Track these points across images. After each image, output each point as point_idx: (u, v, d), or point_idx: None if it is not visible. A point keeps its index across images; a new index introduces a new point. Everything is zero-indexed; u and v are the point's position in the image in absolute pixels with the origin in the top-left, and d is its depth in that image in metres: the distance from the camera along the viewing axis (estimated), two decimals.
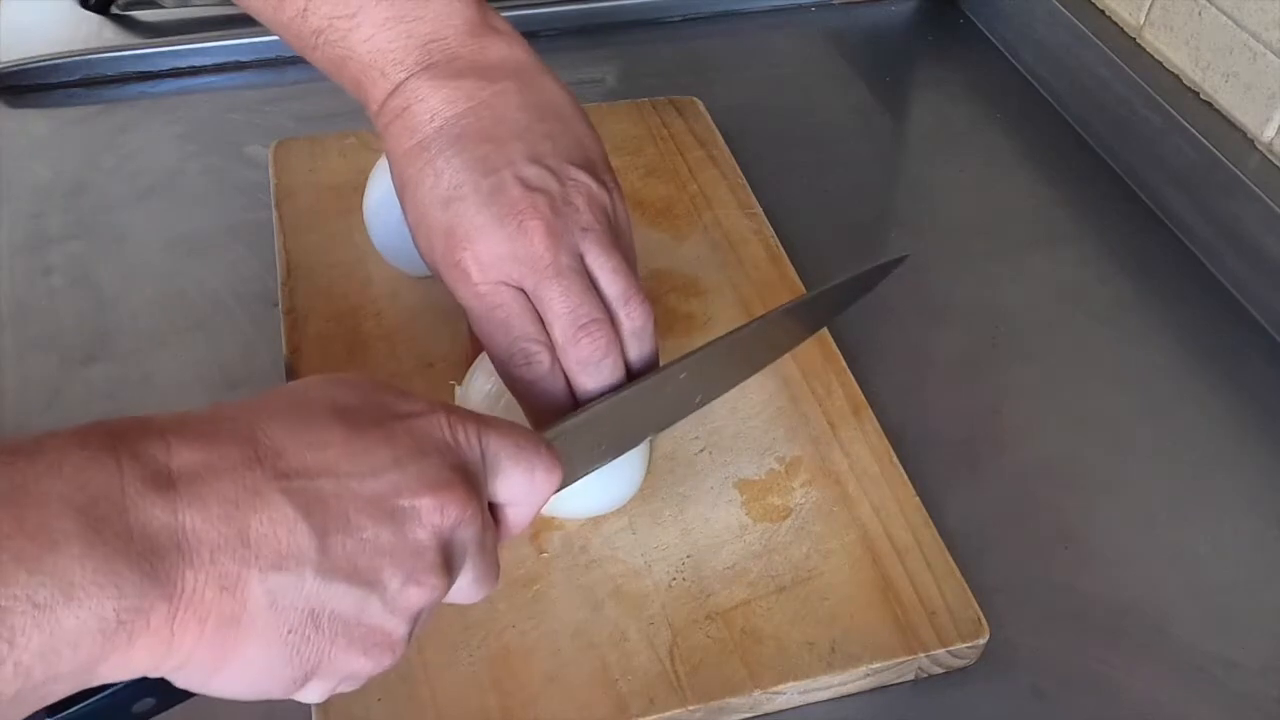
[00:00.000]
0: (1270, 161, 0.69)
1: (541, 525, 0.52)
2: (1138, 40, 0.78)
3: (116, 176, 0.72)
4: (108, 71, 0.79)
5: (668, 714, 0.46)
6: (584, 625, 0.49)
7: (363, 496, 0.36)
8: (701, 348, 0.50)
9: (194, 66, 0.80)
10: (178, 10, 0.84)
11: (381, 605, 0.36)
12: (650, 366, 0.51)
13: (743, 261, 0.66)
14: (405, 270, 0.62)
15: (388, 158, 0.51)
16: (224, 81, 0.80)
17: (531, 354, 0.48)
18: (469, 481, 0.38)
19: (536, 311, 0.48)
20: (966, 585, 0.51)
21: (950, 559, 0.52)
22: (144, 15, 0.83)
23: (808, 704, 0.49)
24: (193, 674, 0.34)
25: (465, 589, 0.40)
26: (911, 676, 0.50)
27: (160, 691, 0.35)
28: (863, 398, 0.58)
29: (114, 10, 0.83)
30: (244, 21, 0.82)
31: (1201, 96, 0.73)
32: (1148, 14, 0.77)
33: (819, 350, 0.61)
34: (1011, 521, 0.57)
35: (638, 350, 0.50)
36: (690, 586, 0.50)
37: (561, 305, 0.48)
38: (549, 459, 0.42)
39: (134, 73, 0.79)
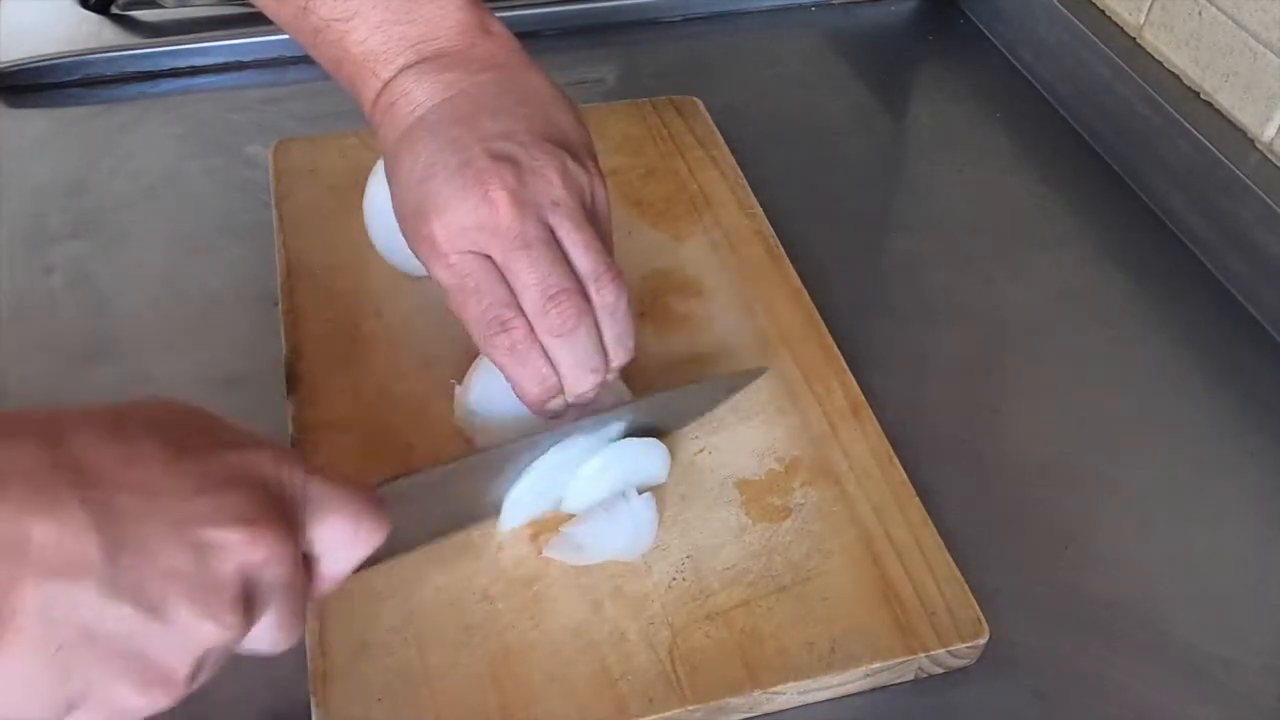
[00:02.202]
0: (1270, 161, 0.69)
1: (541, 525, 0.52)
2: (1138, 40, 0.78)
3: (116, 176, 0.72)
4: (108, 71, 0.79)
5: (667, 714, 0.46)
6: (584, 625, 0.49)
7: (167, 517, 0.34)
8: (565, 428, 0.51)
9: (194, 66, 0.80)
10: (178, 10, 0.84)
11: (166, 636, 0.34)
12: (625, 345, 0.51)
13: (743, 261, 0.66)
14: (405, 270, 0.62)
15: (380, 154, 0.52)
16: (224, 81, 0.80)
17: (505, 320, 0.48)
18: (283, 520, 0.36)
19: (509, 281, 0.48)
20: (966, 585, 0.51)
21: (950, 559, 0.52)
22: (144, 15, 0.83)
23: (808, 704, 0.49)
24: None
25: (265, 635, 0.38)
26: (911, 676, 0.50)
27: None
28: (863, 398, 0.58)
29: (114, 10, 0.83)
30: (244, 21, 0.82)
31: (1201, 96, 0.73)
32: (1148, 14, 0.77)
33: (819, 350, 0.61)
34: (1011, 521, 0.57)
35: (611, 328, 0.50)
36: (690, 586, 0.50)
37: (530, 275, 0.48)
38: (375, 513, 0.40)
39: (134, 73, 0.79)
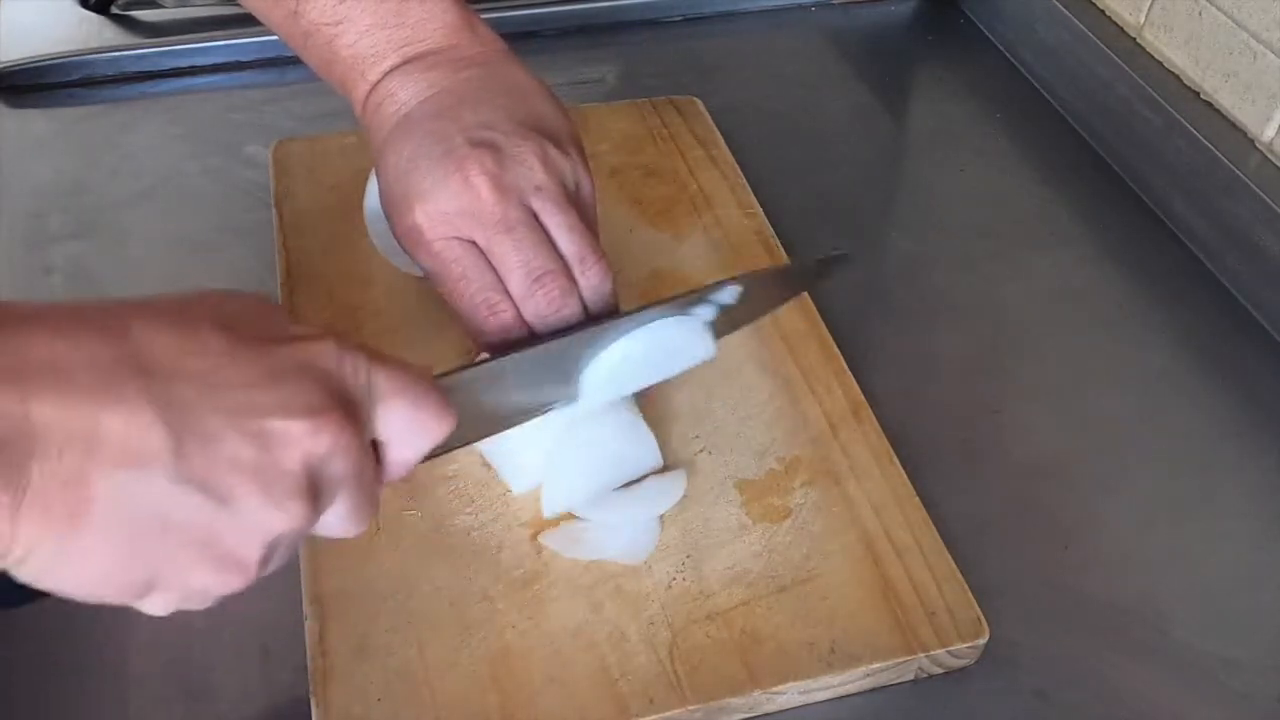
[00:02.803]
0: (1270, 161, 0.69)
1: (542, 525, 0.52)
2: (1138, 40, 0.78)
3: (116, 176, 0.72)
4: (108, 71, 0.79)
5: (667, 714, 0.46)
6: (584, 625, 0.49)
7: (230, 409, 0.34)
8: (632, 311, 0.50)
9: (194, 66, 0.80)
10: (178, 10, 0.84)
11: (235, 523, 0.34)
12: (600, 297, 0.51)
13: (743, 261, 0.65)
14: (405, 270, 0.62)
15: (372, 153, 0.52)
16: (224, 81, 0.80)
17: (493, 303, 0.49)
18: (348, 412, 0.36)
19: (494, 265, 0.49)
20: (966, 585, 0.51)
21: (950, 559, 0.52)
22: (144, 15, 0.83)
23: (808, 704, 0.49)
24: (33, 568, 0.33)
25: (337, 522, 0.38)
26: (911, 676, 0.50)
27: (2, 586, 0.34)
28: (863, 398, 0.58)
29: (114, 10, 0.83)
30: (244, 21, 0.82)
31: (1201, 96, 0.73)
32: (1148, 14, 0.77)
33: (819, 350, 0.61)
34: (1011, 521, 0.57)
35: (598, 309, 0.50)
36: (690, 587, 0.50)
37: (514, 258, 0.48)
38: (439, 401, 0.40)
39: (134, 73, 0.79)
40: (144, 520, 0.33)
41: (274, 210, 0.66)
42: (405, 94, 0.52)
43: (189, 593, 0.36)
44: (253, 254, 0.66)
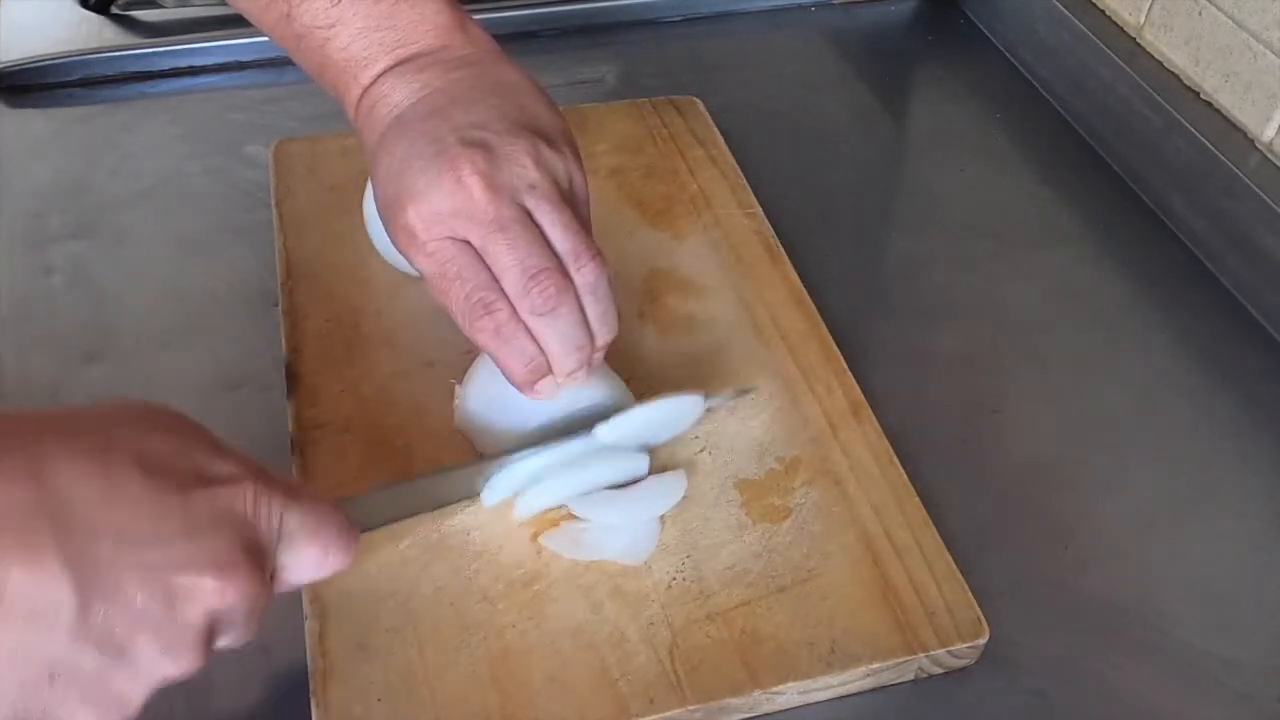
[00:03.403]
0: (1270, 161, 0.69)
1: (542, 525, 0.52)
2: (1138, 40, 0.78)
3: (116, 176, 0.72)
4: (108, 71, 0.79)
5: (667, 714, 0.46)
6: (584, 625, 0.49)
7: (142, 565, 0.35)
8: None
9: (194, 66, 0.80)
10: (178, 10, 0.84)
11: (128, 673, 0.35)
12: (609, 323, 0.51)
13: (743, 261, 0.66)
14: (405, 270, 0.62)
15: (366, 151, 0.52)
16: (224, 81, 0.80)
17: (488, 302, 0.49)
18: (255, 560, 0.38)
19: (488, 264, 0.49)
20: (966, 585, 0.51)
21: (950, 559, 0.52)
22: (144, 15, 0.83)
23: (808, 704, 0.49)
24: None
25: (224, 645, 0.40)
26: (911, 676, 0.50)
27: None
28: (863, 398, 0.58)
29: (114, 10, 0.83)
30: (244, 22, 0.81)
31: (1201, 96, 0.73)
32: (1148, 14, 0.77)
33: (819, 350, 0.61)
34: (1011, 521, 0.57)
35: (594, 306, 0.50)
36: (690, 586, 0.50)
37: (509, 257, 0.48)
38: (345, 540, 0.43)
39: (134, 73, 0.79)
40: (36, 671, 0.34)
41: (274, 210, 0.66)
42: (397, 96, 0.52)
43: None
44: (253, 254, 0.66)
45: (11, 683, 0.34)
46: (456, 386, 0.55)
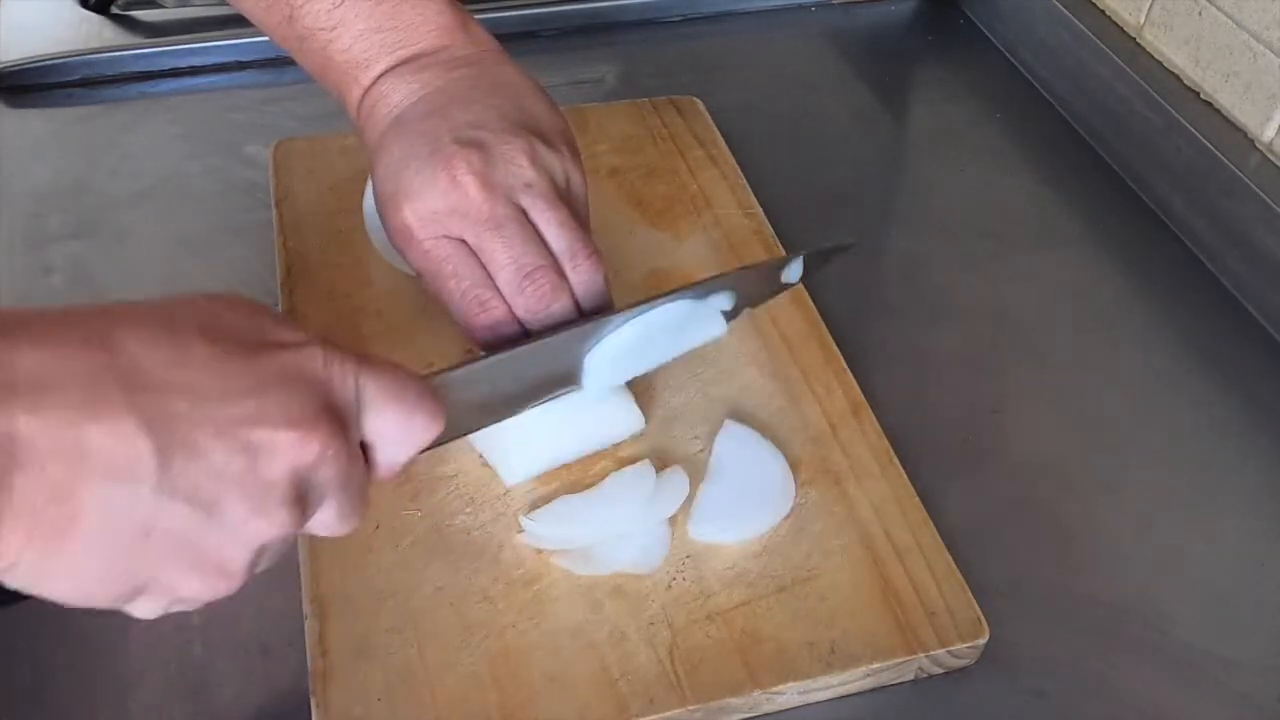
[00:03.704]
0: (1270, 161, 0.69)
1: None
2: (1138, 40, 0.78)
3: (116, 176, 0.72)
4: (108, 71, 0.79)
5: (667, 714, 0.46)
6: (584, 625, 0.49)
7: (217, 420, 0.34)
8: (627, 308, 0.50)
9: (194, 66, 0.80)
10: (178, 10, 0.84)
11: (222, 532, 0.35)
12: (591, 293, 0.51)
13: (743, 261, 0.65)
14: (405, 270, 0.62)
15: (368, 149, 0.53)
16: (224, 81, 0.80)
17: (484, 300, 0.49)
18: (335, 419, 0.37)
19: (484, 263, 0.49)
20: (966, 585, 0.51)
21: (950, 559, 0.52)
22: (144, 15, 0.83)
23: (808, 704, 0.49)
24: (20, 576, 0.33)
25: (326, 523, 0.39)
26: (911, 676, 0.50)
27: None
28: (863, 398, 0.58)
29: (114, 10, 0.83)
30: (244, 21, 0.81)
31: (1201, 96, 0.73)
32: (1148, 14, 0.77)
33: (819, 350, 0.61)
34: (1011, 521, 0.57)
35: (590, 303, 0.51)
36: (690, 587, 0.50)
37: (504, 255, 0.49)
38: (430, 404, 0.41)
39: (134, 73, 0.79)
40: (131, 532, 0.33)
41: (274, 210, 0.66)
42: (397, 96, 0.52)
43: (177, 598, 0.36)
44: (253, 254, 0.66)
45: (110, 545, 0.33)
46: None
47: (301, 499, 0.36)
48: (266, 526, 0.36)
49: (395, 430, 0.40)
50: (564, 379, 0.51)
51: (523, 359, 0.48)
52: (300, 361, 0.37)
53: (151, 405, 0.33)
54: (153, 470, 0.33)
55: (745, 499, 0.53)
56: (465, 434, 0.47)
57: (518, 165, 0.49)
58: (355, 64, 0.53)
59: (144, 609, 0.36)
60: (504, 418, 0.49)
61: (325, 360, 0.37)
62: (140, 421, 0.33)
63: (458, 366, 0.46)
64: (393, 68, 0.52)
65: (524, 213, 0.49)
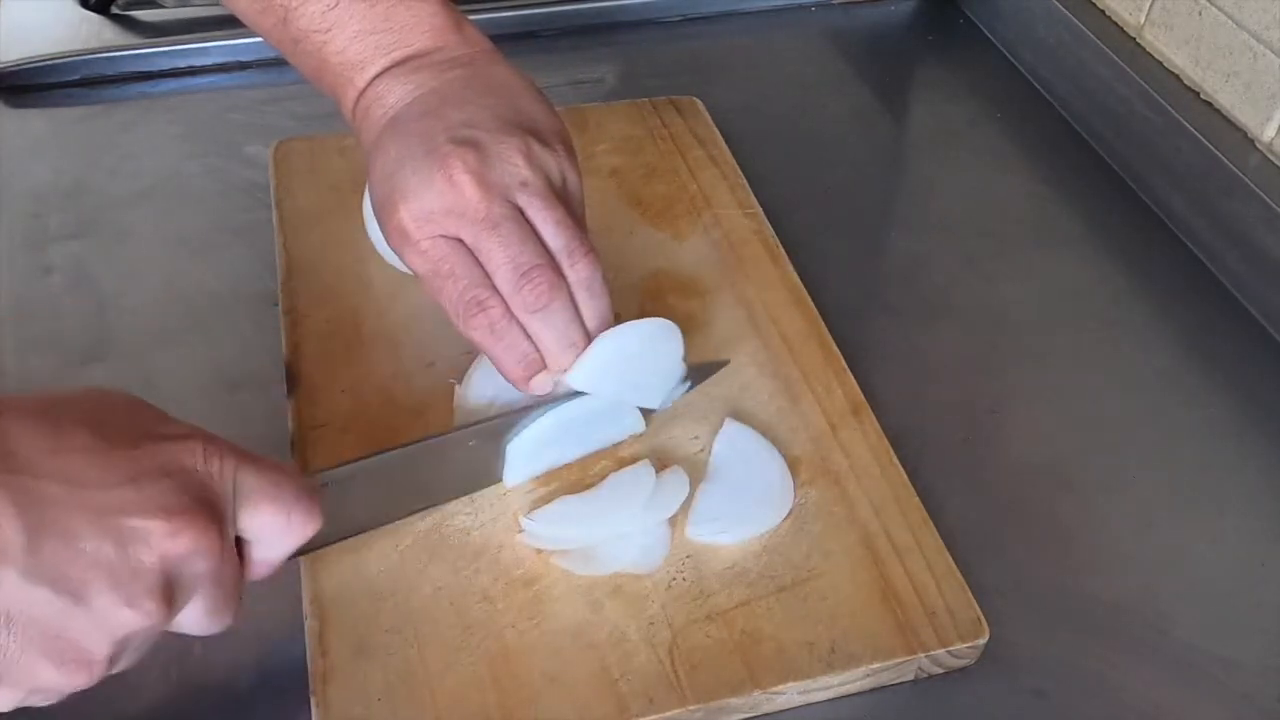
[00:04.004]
0: (1270, 161, 0.69)
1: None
2: (1138, 40, 0.78)
3: (116, 176, 0.72)
4: (108, 71, 0.79)
5: (667, 714, 0.46)
6: (584, 625, 0.49)
7: (91, 507, 0.34)
8: (501, 416, 0.52)
9: (194, 66, 0.80)
10: (178, 10, 0.84)
11: (86, 620, 0.35)
12: (603, 318, 0.51)
13: (743, 261, 0.66)
14: (405, 270, 0.62)
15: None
16: (224, 81, 0.80)
17: (482, 300, 0.49)
18: (211, 512, 0.37)
19: (481, 262, 0.49)
20: (966, 585, 0.51)
21: (950, 559, 0.52)
22: (144, 15, 0.83)
23: (808, 704, 0.49)
24: None
25: (195, 621, 0.39)
26: (911, 676, 0.50)
27: None
28: (863, 398, 0.58)
29: (114, 10, 0.83)
30: (242, 22, 0.82)
31: (1201, 96, 0.73)
32: (1148, 14, 0.77)
33: (819, 350, 0.61)
34: (1011, 521, 0.57)
35: (588, 302, 0.51)
36: (690, 587, 0.50)
37: (501, 254, 0.49)
38: (306, 502, 0.41)
39: (134, 73, 0.79)
40: None
41: (274, 210, 0.66)
42: (392, 97, 0.52)
43: (32, 689, 0.36)
44: (253, 254, 0.66)
45: None
46: (456, 386, 0.55)
47: (170, 591, 0.36)
48: (133, 617, 0.35)
49: (271, 528, 0.40)
50: (483, 474, 0.52)
51: (406, 459, 0.49)
52: (179, 453, 0.37)
53: (25, 488, 0.33)
54: (20, 552, 0.33)
55: (745, 499, 0.53)
56: (359, 533, 0.49)
57: (513, 164, 0.49)
58: (350, 66, 0.53)
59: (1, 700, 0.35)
60: (419, 510, 0.50)
61: (205, 454, 0.38)
62: (12, 503, 0.33)
63: (343, 465, 0.47)
64: (387, 69, 0.52)
65: (520, 212, 0.49)
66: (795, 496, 0.53)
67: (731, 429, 0.56)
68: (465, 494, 0.52)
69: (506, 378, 0.51)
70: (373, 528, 0.50)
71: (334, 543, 0.47)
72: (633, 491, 0.53)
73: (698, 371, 0.57)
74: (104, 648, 0.36)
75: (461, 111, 0.50)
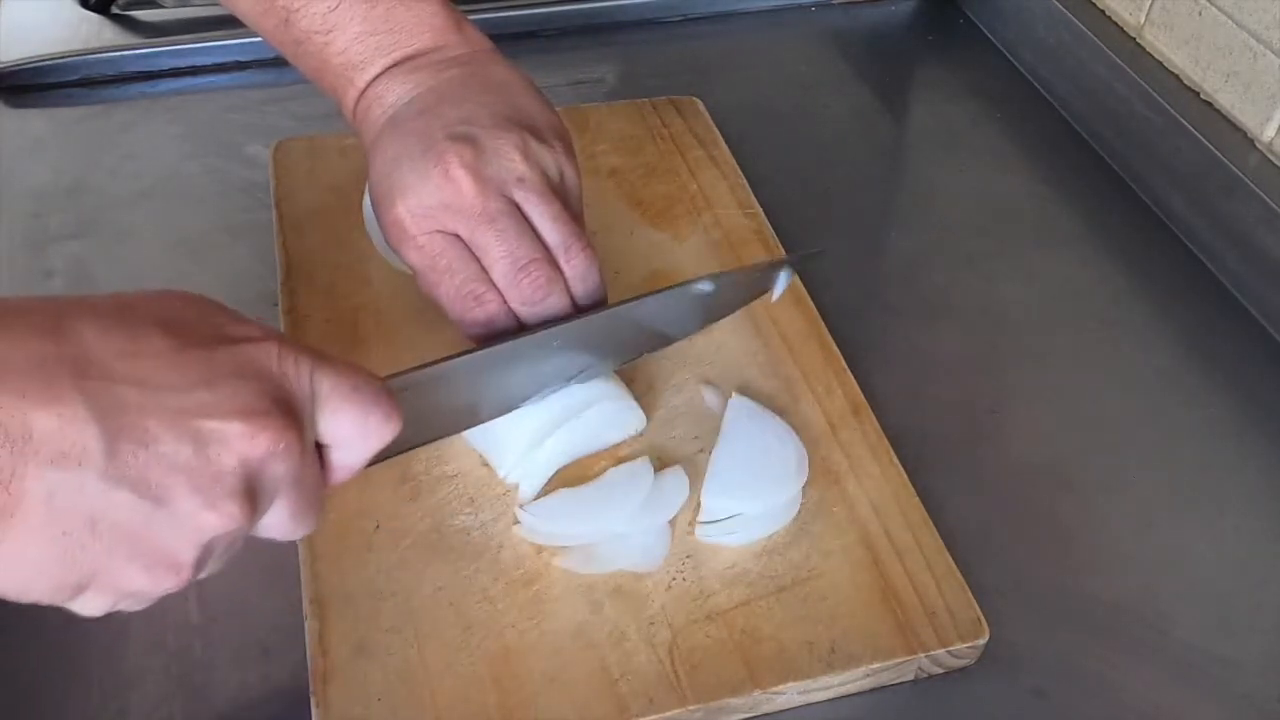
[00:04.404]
0: (1270, 161, 0.69)
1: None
2: (1138, 40, 0.78)
3: (116, 176, 0.72)
4: (108, 71, 0.79)
5: (667, 714, 0.46)
6: (584, 625, 0.49)
7: (167, 409, 0.34)
8: (585, 317, 0.51)
9: (194, 66, 0.80)
10: (178, 10, 0.84)
11: (170, 524, 0.34)
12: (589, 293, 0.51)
13: (743, 261, 0.65)
14: (405, 270, 0.62)
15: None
16: (224, 81, 0.80)
17: (479, 294, 0.49)
18: (289, 414, 0.36)
19: (478, 257, 0.49)
20: (966, 585, 0.51)
21: (950, 559, 0.52)
22: (144, 15, 0.83)
23: (808, 704, 0.49)
24: None
25: (279, 524, 0.38)
26: (911, 676, 0.50)
27: None
28: (863, 398, 0.58)
29: (114, 10, 0.83)
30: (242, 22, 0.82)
31: (1201, 96, 0.73)
32: (1148, 14, 0.77)
33: (819, 350, 0.61)
34: (1011, 521, 0.57)
35: (584, 296, 0.51)
36: (690, 587, 0.50)
37: (498, 248, 0.49)
38: (386, 404, 0.40)
39: (134, 73, 0.79)
40: (76, 520, 0.33)
41: (274, 210, 0.66)
42: (391, 96, 0.52)
43: (123, 593, 0.35)
44: (253, 254, 0.66)
45: (54, 533, 0.33)
46: None
47: (252, 494, 0.36)
48: (216, 519, 0.35)
49: (350, 430, 0.39)
50: (520, 390, 0.51)
51: (478, 363, 0.48)
52: (255, 355, 0.37)
53: (101, 392, 0.33)
54: (100, 457, 0.33)
55: (757, 472, 0.53)
56: (422, 444, 0.47)
57: (510, 159, 0.50)
58: (351, 66, 0.53)
59: (88, 605, 0.35)
60: (460, 429, 0.49)
61: (281, 355, 0.37)
62: (89, 408, 0.33)
63: (417, 368, 0.45)
64: (387, 69, 0.53)
65: (517, 207, 0.50)
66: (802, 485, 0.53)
67: (739, 401, 0.56)
68: (538, 395, 0.51)
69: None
70: (452, 433, 0.49)
71: (415, 447, 0.46)
72: (631, 488, 0.53)
73: (795, 262, 0.56)
74: (190, 551, 0.35)
75: (459, 109, 0.51)
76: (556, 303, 0.50)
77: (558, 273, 0.50)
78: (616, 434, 0.55)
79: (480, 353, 0.48)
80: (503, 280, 0.49)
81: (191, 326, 0.36)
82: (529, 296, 0.49)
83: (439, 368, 0.47)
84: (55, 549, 0.33)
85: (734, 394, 0.56)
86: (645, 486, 0.53)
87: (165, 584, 0.35)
